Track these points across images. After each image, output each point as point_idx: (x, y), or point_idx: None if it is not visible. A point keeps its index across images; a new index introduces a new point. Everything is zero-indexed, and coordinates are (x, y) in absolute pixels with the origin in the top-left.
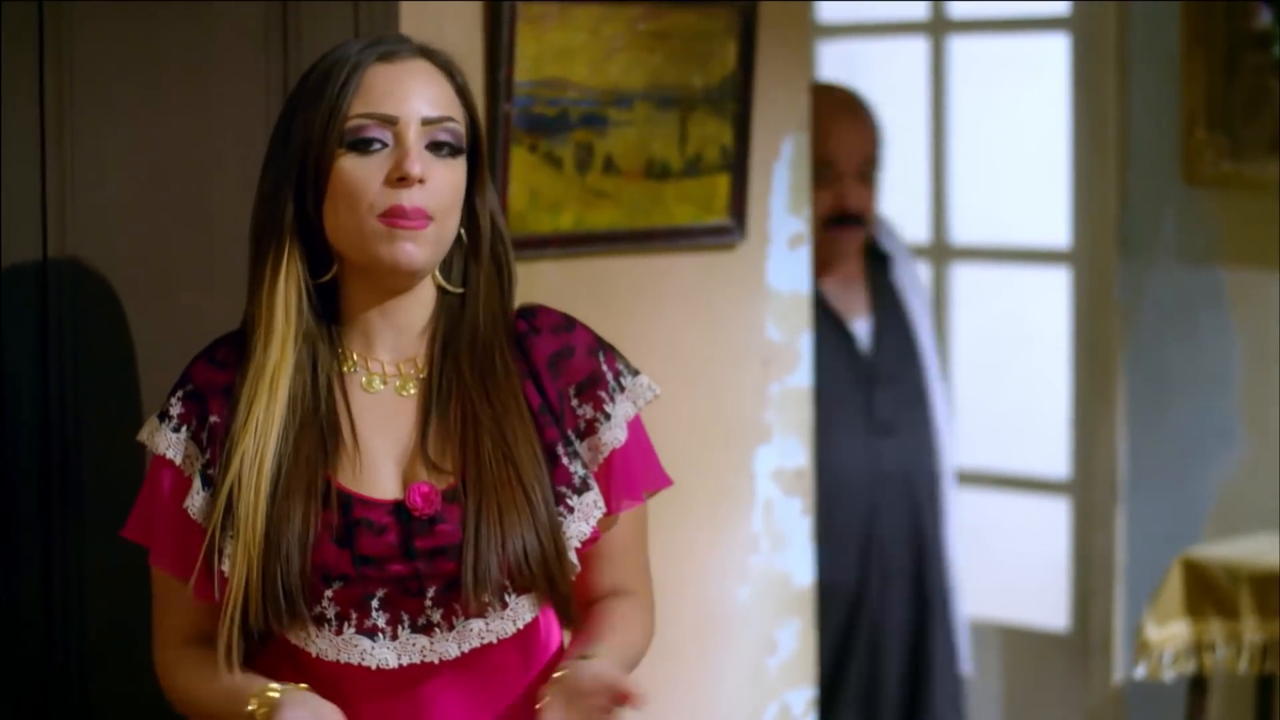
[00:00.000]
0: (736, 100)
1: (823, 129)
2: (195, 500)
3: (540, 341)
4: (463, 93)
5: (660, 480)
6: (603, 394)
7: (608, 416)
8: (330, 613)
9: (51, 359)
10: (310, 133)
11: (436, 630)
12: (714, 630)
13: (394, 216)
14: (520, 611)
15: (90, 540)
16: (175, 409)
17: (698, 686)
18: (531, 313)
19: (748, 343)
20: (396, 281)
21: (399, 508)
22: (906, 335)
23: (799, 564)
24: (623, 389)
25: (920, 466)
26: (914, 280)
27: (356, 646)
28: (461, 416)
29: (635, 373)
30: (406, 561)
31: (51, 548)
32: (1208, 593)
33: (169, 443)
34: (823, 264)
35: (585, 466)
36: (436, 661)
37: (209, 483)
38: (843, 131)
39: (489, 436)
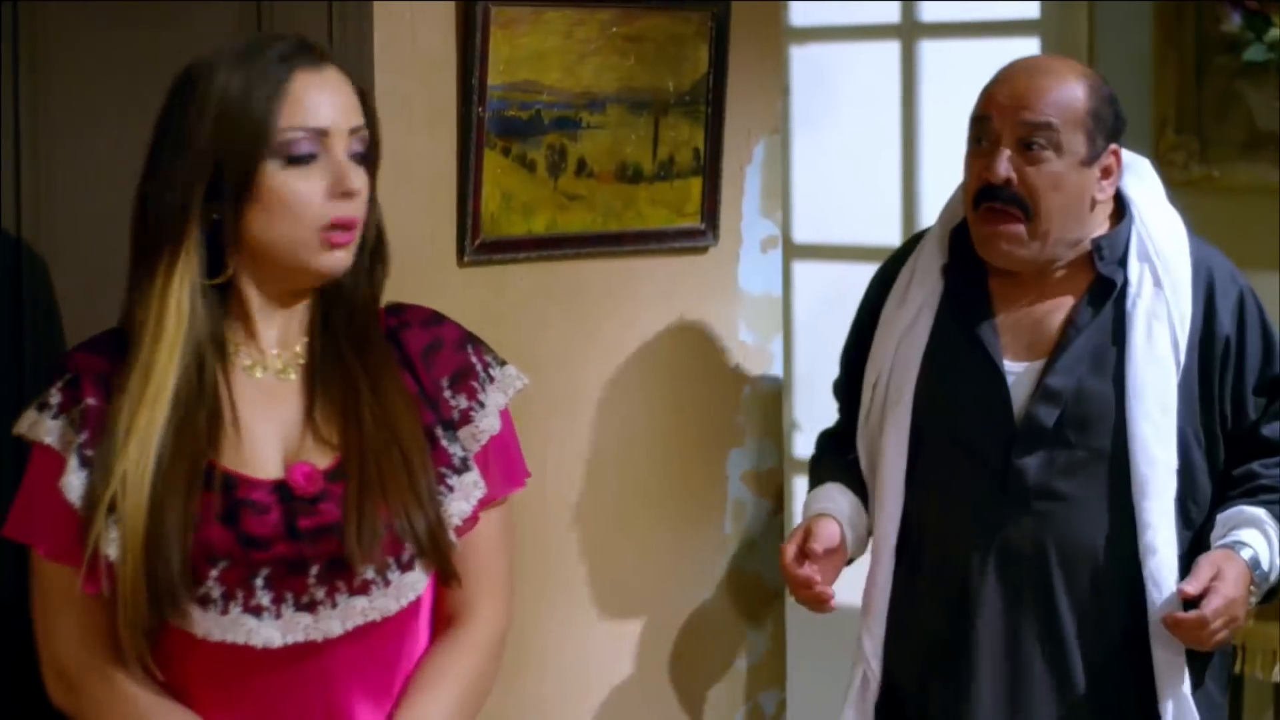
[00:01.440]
0: (709, 103)
1: None
2: (72, 481)
3: (411, 335)
4: (364, 96)
5: (524, 473)
6: (475, 384)
7: (482, 405)
8: (216, 593)
9: (27, 361)
10: (235, 141)
11: (320, 608)
12: (686, 632)
13: (335, 229)
14: (404, 589)
15: None
16: (55, 398)
17: (671, 687)
18: (399, 309)
19: (720, 345)
20: (310, 284)
21: (281, 487)
22: None
23: (770, 566)
24: (492, 379)
25: None
26: None
27: (243, 626)
28: (343, 396)
29: (503, 363)
30: (290, 540)
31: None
32: None
33: (50, 431)
34: None
35: (464, 449)
36: (320, 639)
37: (86, 464)
38: None
39: (370, 413)
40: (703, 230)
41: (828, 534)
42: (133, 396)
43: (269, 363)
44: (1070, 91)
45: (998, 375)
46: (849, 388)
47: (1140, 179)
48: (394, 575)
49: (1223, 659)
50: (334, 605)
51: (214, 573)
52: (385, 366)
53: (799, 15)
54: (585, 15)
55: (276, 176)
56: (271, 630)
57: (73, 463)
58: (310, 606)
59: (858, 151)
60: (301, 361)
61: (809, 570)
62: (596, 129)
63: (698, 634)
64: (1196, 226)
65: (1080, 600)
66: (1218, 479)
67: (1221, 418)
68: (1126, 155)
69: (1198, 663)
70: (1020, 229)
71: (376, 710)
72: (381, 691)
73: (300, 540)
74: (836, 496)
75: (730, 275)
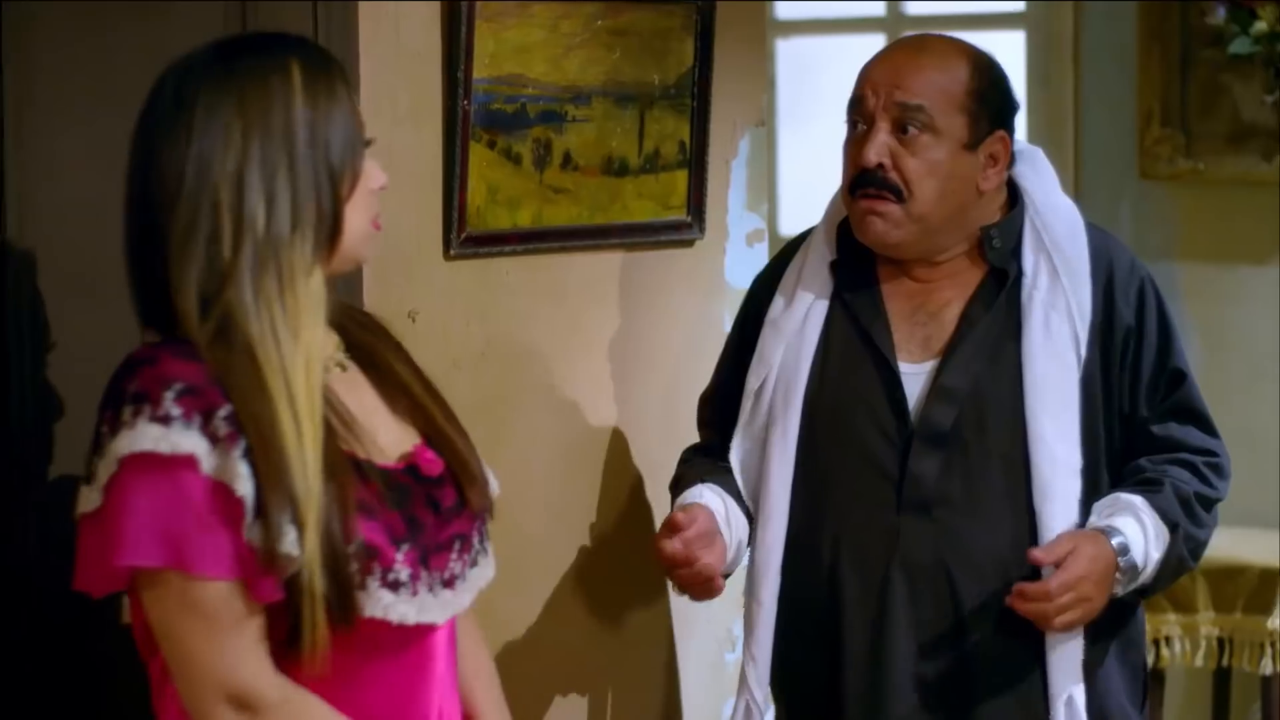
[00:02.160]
0: (694, 97)
1: None
2: (243, 488)
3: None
4: None
5: None
6: None
7: None
8: (404, 575)
9: (12, 355)
10: (348, 136)
11: (458, 583)
12: (674, 625)
13: (376, 220)
14: (492, 556)
15: (50, 538)
16: (174, 410)
17: (658, 681)
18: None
19: (706, 339)
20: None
21: (412, 470)
22: None
23: None
24: None
25: None
26: None
27: (426, 607)
28: (391, 380)
29: None
30: (438, 519)
31: (9, 541)
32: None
33: (190, 443)
34: None
35: None
36: (453, 615)
37: (254, 470)
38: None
39: (418, 388)
40: (689, 223)
41: (698, 517)
42: (279, 396)
43: (330, 355)
44: (950, 72)
45: (893, 376)
46: (724, 400)
47: (1034, 168)
48: (488, 544)
49: (1133, 671)
50: (465, 579)
51: (399, 556)
52: (394, 350)
53: (784, 9)
54: (570, 9)
55: (368, 167)
56: (436, 609)
57: (241, 469)
58: (450, 582)
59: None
60: (344, 352)
61: (683, 547)
62: (582, 122)
63: (686, 627)
64: (1182, 220)
65: (984, 609)
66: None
67: (1120, 412)
68: (1019, 144)
69: (1101, 669)
70: (894, 208)
71: (455, 692)
72: (454, 672)
73: (443, 518)
74: (707, 494)
75: (716, 268)
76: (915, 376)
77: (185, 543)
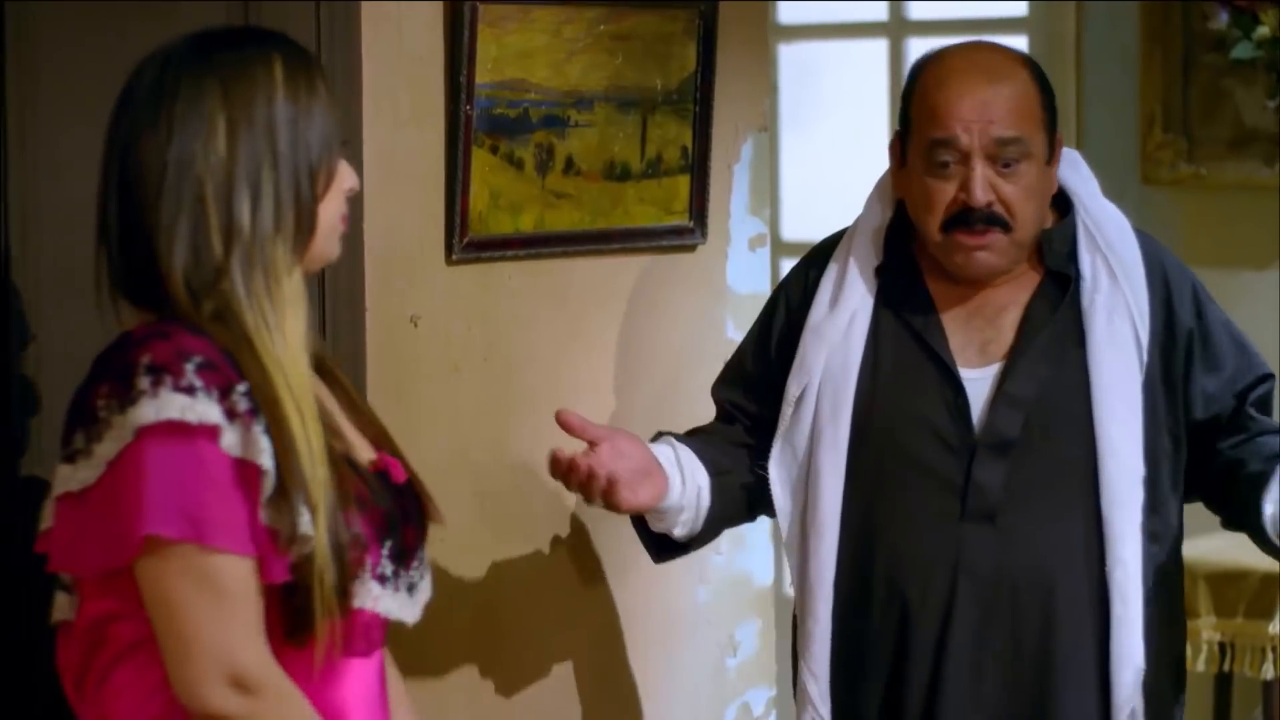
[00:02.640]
0: (696, 101)
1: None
2: (266, 462)
3: None
4: None
5: None
6: None
7: None
8: (389, 570)
9: (13, 355)
10: (326, 133)
11: (415, 591)
12: (675, 630)
13: (344, 219)
14: (430, 577)
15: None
16: (195, 381)
17: (659, 686)
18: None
19: (708, 344)
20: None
21: (382, 475)
22: None
23: (759, 565)
24: None
25: None
26: None
27: (404, 605)
28: (338, 387)
29: None
30: (404, 521)
31: (11, 550)
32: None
33: (214, 414)
34: None
35: None
36: (414, 620)
37: (273, 445)
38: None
39: (364, 404)
40: (691, 228)
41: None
42: (282, 377)
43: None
44: (1028, 92)
45: (955, 382)
46: (737, 397)
47: (1076, 169)
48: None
49: (1182, 685)
50: (418, 590)
51: (384, 551)
52: (337, 367)
53: (787, 13)
54: (573, 13)
55: (341, 166)
56: (409, 610)
57: (264, 444)
58: (412, 587)
59: (845, 149)
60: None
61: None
62: (584, 127)
63: (687, 631)
64: (1184, 225)
65: (1048, 618)
66: (1181, 488)
67: (1188, 415)
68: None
69: (1158, 685)
70: (1002, 239)
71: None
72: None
73: (411, 524)
74: (657, 443)
75: (718, 273)
76: (977, 383)
77: (205, 515)
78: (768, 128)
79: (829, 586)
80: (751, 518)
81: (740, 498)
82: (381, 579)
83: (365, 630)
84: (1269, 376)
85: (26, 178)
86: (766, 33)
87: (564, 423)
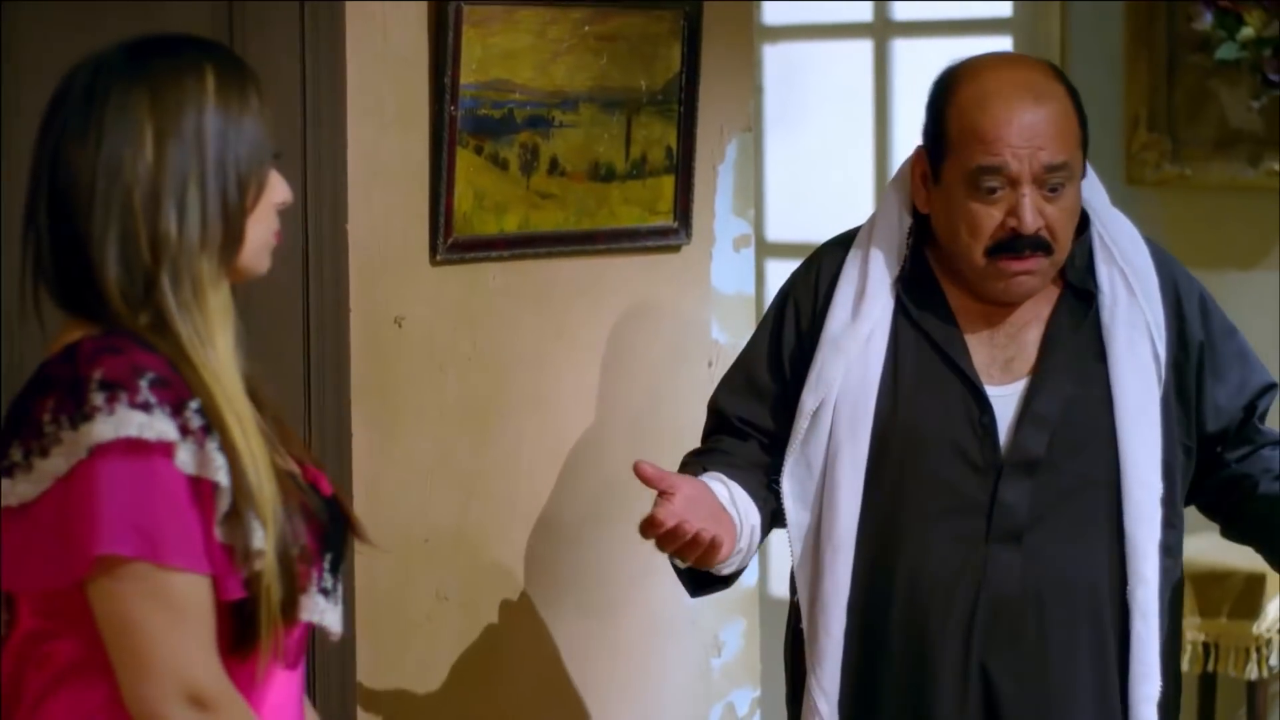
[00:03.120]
0: (681, 102)
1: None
2: (221, 479)
3: None
4: None
5: None
6: None
7: None
8: (329, 583)
9: (2, 357)
10: (256, 146)
11: (339, 602)
12: (659, 630)
13: (277, 234)
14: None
15: None
16: (150, 397)
17: (644, 686)
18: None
19: (692, 343)
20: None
21: (311, 486)
22: None
23: None
24: None
25: None
26: None
27: (340, 617)
28: (263, 404)
29: None
30: (335, 535)
31: None
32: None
33: (170, 431)
34: None
35: None
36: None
37: (227, 461)
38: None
39: (282, 418)
40: (675, 229)
41: (682, 487)
42: (220, 390)
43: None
44: (1068, 110)
45: (980, 399)
46: (746, 411)
47: (1087, 180)
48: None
49: (1178, 700)
50: (340, 602)
51: (325, 563)
52: (259, 377)
53: (772, 14)
54: (558, 14)
55: (273, 180)
56: (339, 620)
57: (219, 461)
58: (335, 601)
59: (831, 150)
60: None
61: (675, 512)
62: (569, 128)
63: (672, 631)
64: (1169, 226)
65: (1072, 638)
66: (1198, 487)
67: (1199, 428)
68: None
69: (1168, 702)
70: (1045, 263)
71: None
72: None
73: (340, 536)
74: (707, 479)
75: (703, 274)
76: (1002, 400)
77: (160, 533)
78: (752, 128)
79: (844, 604)
80: (767, 535)
81: (772, 523)
82: (325, 592)
83: (298, 642)
84: (1273, 386)
85: (11, 177)
86: (751, 33)
87: (642, 474)
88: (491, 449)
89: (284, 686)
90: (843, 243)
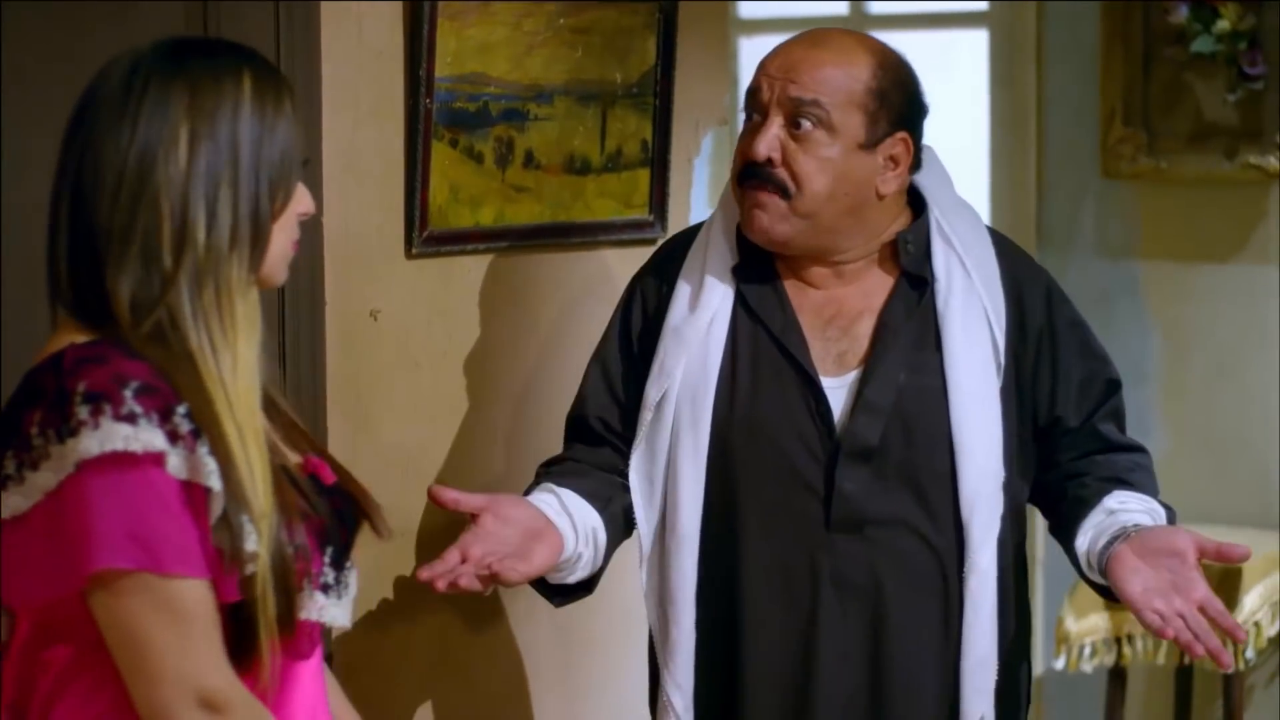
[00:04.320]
0: (656, 95)
1: None
2: (214, 484)
3: None
4: None
5: None
6: None
7: None
8: (330, 578)
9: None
10: (288, 154)
11: (349, 589)
12: (632, 622)
13: (295, 244)
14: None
15: None
16: (135, 408)
17: (621, 679)
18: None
19: None
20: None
21: (313, 478)
22: None
23: None
24: None
25: None
26: None
27: (345, 610)
28: (267, 398)
29: None
30: (340, 526)
31: None
32: None
33: (159, 440)
34: None
35: None
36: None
37: (220, 467)
38: None
39: (288, 409)
40: (651, 222)
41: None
42: (223, 396)
43: None
44: (850, 69)
45: (815, 389)
46: (602, 413)
47: (930, 168)
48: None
49: (1027, 685)
50: (350, 587)
51: (325, 559)
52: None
53: (747, 8)
54: (533, 7)
55: (299, 188)
56: (348, 614)
57: (210, 465)
58: (345, 591)
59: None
60: None
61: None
62: (544, 121)
63: (643, 623)
64: (1145, 219)
65: (910, 626)
66: (1033, 481)
67: (1034, 417)
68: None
69: (1009, 688)
70: (779, 203)
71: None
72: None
73: (345, 525)
74: (536, 493)
75: None
76: (836, 390)
77: (158, 542)
78: (728, 121)
79: (691, 595)
80: (629, 534)
81: (625, 520)
82: (325, 588)
83: (308, 634)
84: (1116, 385)
85: (6, 179)
86: (727, 27)
87: (437, 499)
88: (467, 443)
89: (302, 678)
90: (687, 237)
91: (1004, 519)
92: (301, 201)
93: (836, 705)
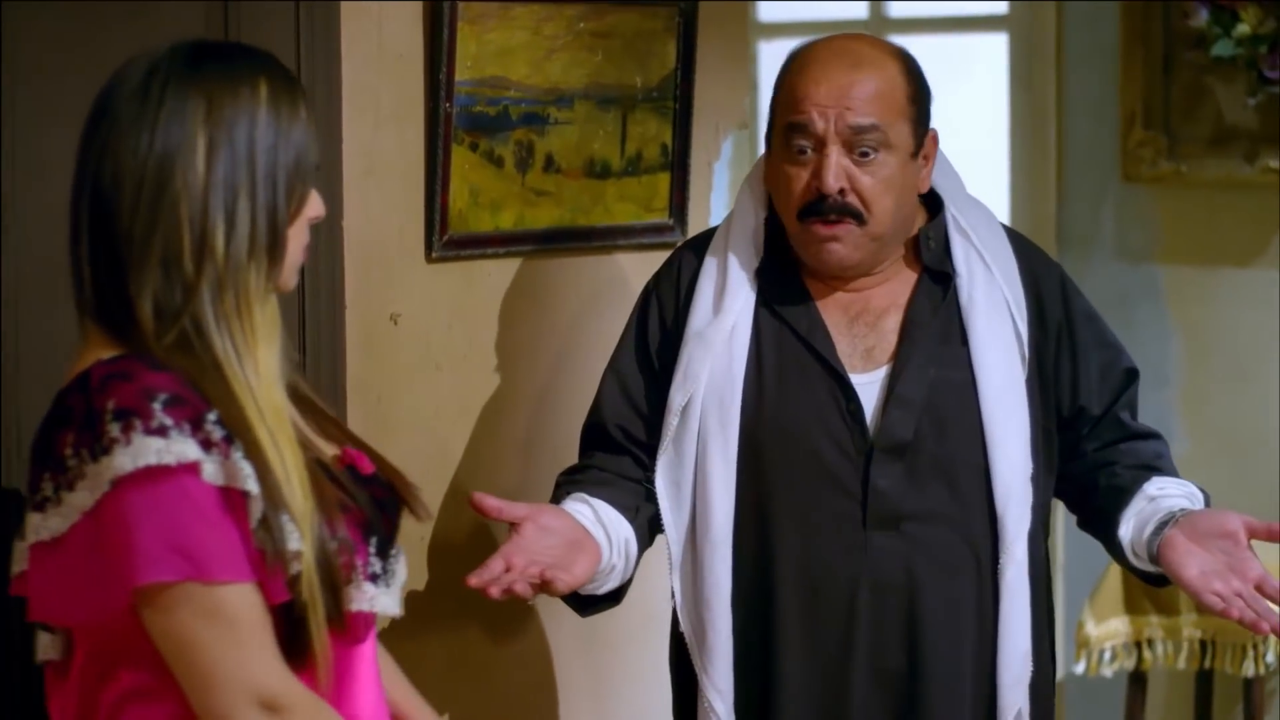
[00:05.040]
0: (676, 99)
1: None
2: (251, 488)
3: None
4: None
5: None
6: None
7: None
8: (378, 567)
9: (3, 356)
10: (303, 160)
11: (396, 577)
12: (653, 626)
13: (305, 251)
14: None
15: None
16: (165, 420)
17: (634, 681)
18: None
19: None
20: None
21: (351, 469)
22: None
23: None
24: None
25: None
26: None
27: (395, 598)
28: (299, 394)
29: None
30: (382, 515)
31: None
32: (1146, 589)
33: (193, 451)
34: None
35: None
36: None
37: (257, 473)
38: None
39: (321, 401)
40: (671, 226)
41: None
42: (251, 400)
43: None
44: (891, 81)
45: (846, 387)
46: (625, 423)
47: (940, 166)
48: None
49: (1053, 678)
50: (398, 575)
51: (371, 549)
52: (295, 368)
53: (767, 11)
54: (553, 11)
55: (312, 194)
56: (398, 601)
57: (246, 468)
58: (392, 579)
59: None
60: None
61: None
62: (564, 125)
63: (662, 626)
64: (1164, 221)
65: (947, 619)
66: (1057, 474)
67: (1058, 408)
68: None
69: (1042, 682)
70: (855, 231)
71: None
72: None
73: (386, 513)
74: (569, 504)
75: None
76: (867, 387)
77: (201, 551)
78: (748, 125)
79: (726, 600)
80: (652, 543)
81: (650, 529)
82: (373, 578)
83: (363, 621)
84: (1135, 374)
85: (6, 179)
86: (747, 30)
87: (479, 507)
88: (487, 446)
89: (358, 661)
90: (702, 241)
91: (1033, 511)
92: (313, 206)
93: (875, 703)
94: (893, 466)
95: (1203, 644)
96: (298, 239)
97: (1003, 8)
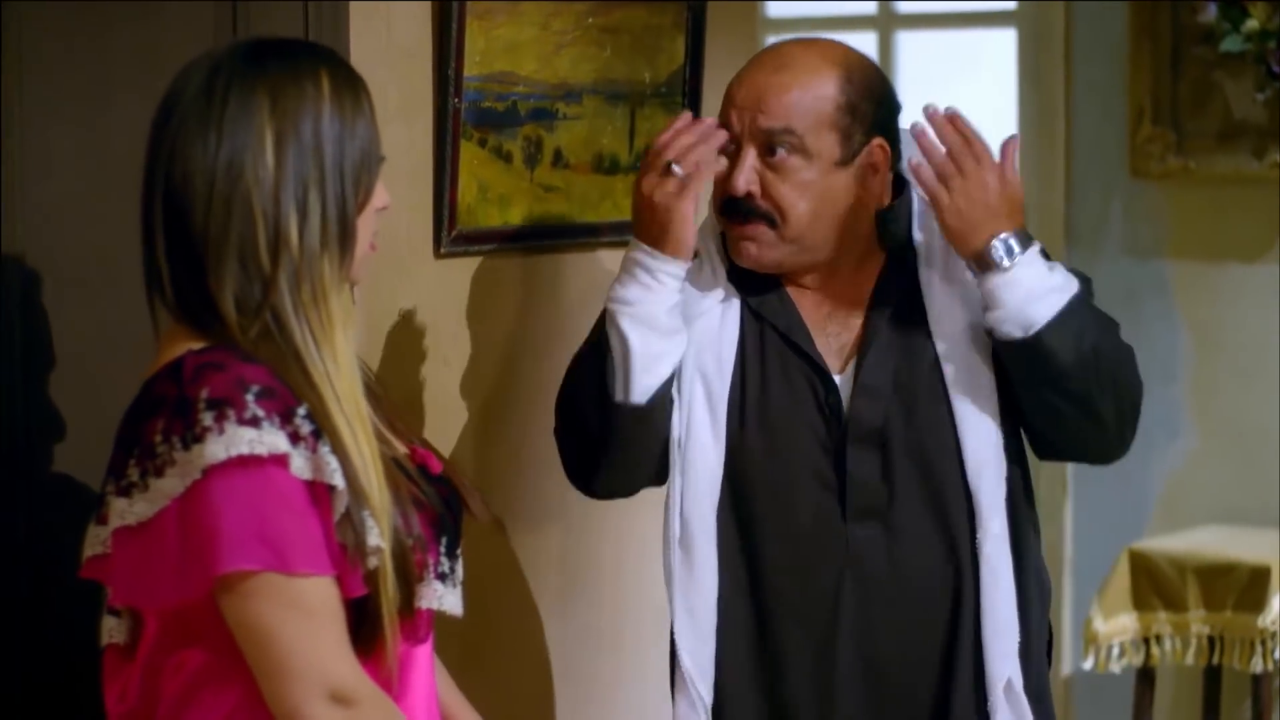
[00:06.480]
0: (685, 95)
1: None
2: (338, 482)
3: None
4: None
5: None
6: None
7: None
8: (446, 566)
9: (5, 353)
10: (368, 152)
11: (459, 578)
12: (653, 620)
13: (374, 242)
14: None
15: (52, 537)
16: (257, 411)
17: (636, 678)
18: None
19: None
20: None
21: (421, 469)
22: None
23: None
24: None
25: None
26: None
27: (460, 598)
28: (370, 391)
29: None
30: (449, 513)
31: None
32: (1155, 585)
33: (283, 443)
34: None
35: None
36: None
37: (342, 466)
38: None
39: (388, 400)
40: None
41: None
42: (331, 392)
43: None
44: (816, 89)
45: (825, 379)
46: None
47: (910, 150)
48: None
49: (1047, 647)
50: (459, 578)
51: (441, 548)
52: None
53: (775, 7)
54: (561, 6)
55: (379, 185)
56: (459, 601)
57: (333, 463)
58: (454, 583)
59: None
60: None
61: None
62: (573, 120)
63: (665, 622)
64: (1173, 217)
65: (930, 600)
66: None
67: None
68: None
69: (1032, 650)
70: (767, 233)
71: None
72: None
73: (454, 514)
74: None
75: None
76: (844, 382)
77: (284, 542)
78: None
79: (713, 594)
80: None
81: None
82: (442, 577)
83: (426, 620)
84: (1084, 279)
85: (13, 176)
86: (755, 26)
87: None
88: (496, 441)
89: (417, 663)
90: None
91: (1009, 480)
92: (380, 196)
93: (865, 680)
94: (869, 455)
95: (1211, 640)
96: (366, 229)
97: (1011, 4)
